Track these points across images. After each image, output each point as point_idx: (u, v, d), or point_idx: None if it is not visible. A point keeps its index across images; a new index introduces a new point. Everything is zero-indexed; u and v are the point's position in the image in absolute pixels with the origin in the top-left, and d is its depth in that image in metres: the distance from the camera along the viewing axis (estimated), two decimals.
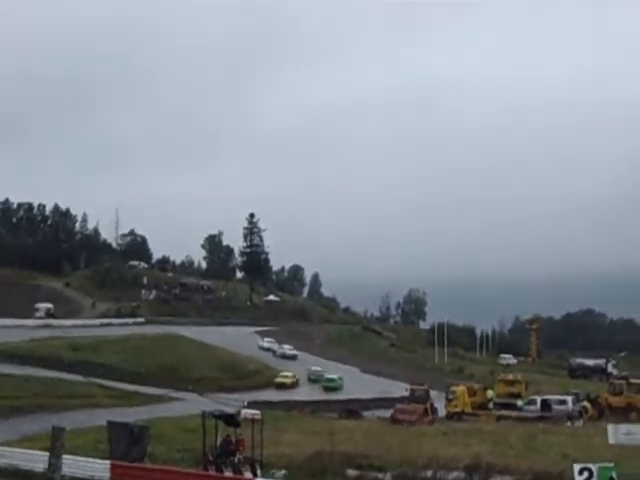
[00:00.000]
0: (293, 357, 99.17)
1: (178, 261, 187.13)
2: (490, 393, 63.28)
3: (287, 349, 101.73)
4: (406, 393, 60.86)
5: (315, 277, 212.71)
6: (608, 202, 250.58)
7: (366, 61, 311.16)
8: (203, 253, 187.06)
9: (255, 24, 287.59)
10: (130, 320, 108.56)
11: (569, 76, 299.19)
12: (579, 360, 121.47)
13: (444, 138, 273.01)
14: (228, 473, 26.80)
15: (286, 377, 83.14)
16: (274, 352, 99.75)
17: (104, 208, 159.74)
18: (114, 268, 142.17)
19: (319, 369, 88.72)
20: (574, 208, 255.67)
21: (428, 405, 57.48)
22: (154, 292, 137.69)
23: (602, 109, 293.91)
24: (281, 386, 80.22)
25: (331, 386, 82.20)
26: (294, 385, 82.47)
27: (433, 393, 62.42)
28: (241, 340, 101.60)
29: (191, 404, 54.45)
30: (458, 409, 59.31)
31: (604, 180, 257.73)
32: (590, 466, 19.17)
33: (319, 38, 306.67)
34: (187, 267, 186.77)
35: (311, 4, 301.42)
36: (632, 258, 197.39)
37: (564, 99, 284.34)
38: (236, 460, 27.25)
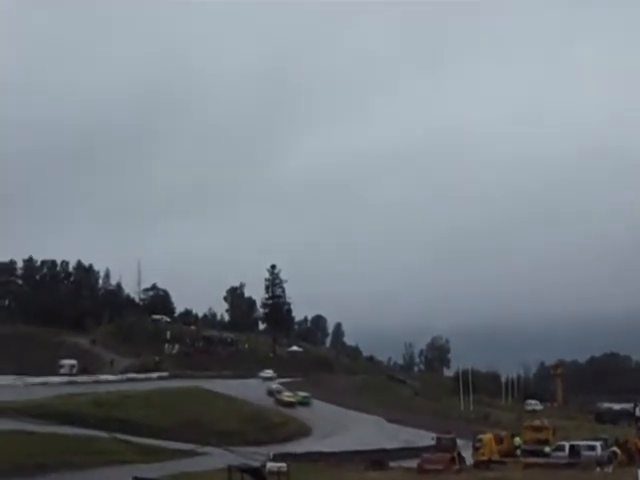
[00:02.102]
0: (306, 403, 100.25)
1: (200, 314, 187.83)
2: (517, 440, 62.53)
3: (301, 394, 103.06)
4: (432, 442, 60.22)
5: (338, 327, 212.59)
6: (631, 247, 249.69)
7: (389, 112, 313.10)
8: (225, 305, 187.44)
9: (273, 80, 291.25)
10: (154, 375, 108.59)
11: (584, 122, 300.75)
12: (606, 405, 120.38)
13: (463, 189, 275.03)
14: None
15: (290, 397, 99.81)
16: (275, 396, 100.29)
17: (127, 263, 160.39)
18: (137, 323, 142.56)
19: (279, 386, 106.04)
20: (598, 253, 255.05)
21: (455, 454, 56.84)
22: (177, 346, 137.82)
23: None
24: (288, 404, 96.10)
25: (303, 402, 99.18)
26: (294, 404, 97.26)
27: (460, 441, 61.81)
28: (265, 392, 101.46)
29: (216, 458, 54.18)
30: (485, 457, 58.62)
31: (627, 225, 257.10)
32: None
33: (339, 94, 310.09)
34: (210, 320, 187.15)
35: (332, 65, 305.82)
36: None
37: (580, 148, 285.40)
38: None
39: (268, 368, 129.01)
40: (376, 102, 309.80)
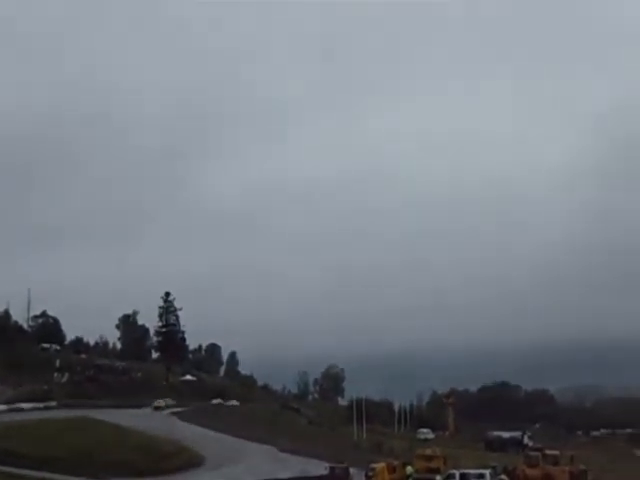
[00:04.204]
0: None
1: (92, 342, 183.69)
2: (409, 469, 63.13)
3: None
4: (325, 471, 60.31)
5: (232, 355, 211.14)
6: (522, 283, 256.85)
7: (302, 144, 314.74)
8: (117, 334, 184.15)
9: (192, 105, 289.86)
10: (41, 404, 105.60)
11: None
12: (496, 433, 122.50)
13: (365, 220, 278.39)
14: None
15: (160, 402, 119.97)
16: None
17: (15, 290, 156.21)
18: (25, 351, 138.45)
19: None
20: (491, 289, 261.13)
21: None
22: (67, 375, 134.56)
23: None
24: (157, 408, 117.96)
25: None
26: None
27: (353, 470, 61.98)
28: (157, 422, 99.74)
29: None
30: None
31: (524, 264, 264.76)
32: None
33: (255, 121, 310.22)
34: (101, 348, 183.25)
35: (245, 90, 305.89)
36: (545, 334, 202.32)
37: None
38: None
39: (161, 397, 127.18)
40: (290, 135, 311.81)
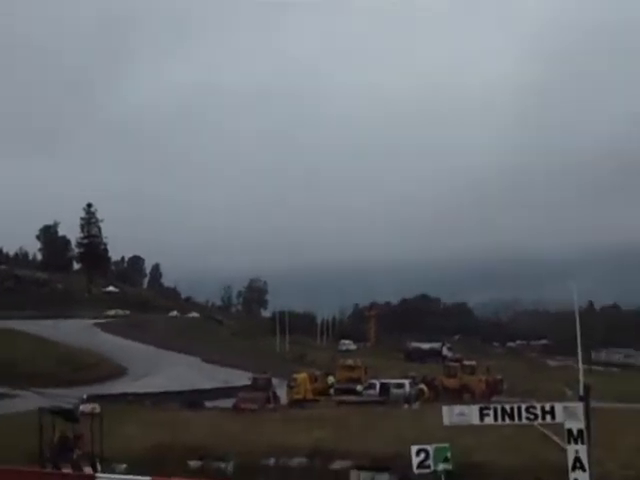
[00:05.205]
0: None
1: (12, 253, 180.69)
2: (331, 379, 64.15)
3: None
4: (248, 382, 60.91)
5: (156, 268, 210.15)
6: (445, 193, 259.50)
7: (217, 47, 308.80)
8: (38, 244, 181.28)
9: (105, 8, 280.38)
10: None
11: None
12: (415, 344, 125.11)
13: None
14: (67, 470, 26.14)
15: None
16: None
17: None
18: None
19: None
20: (411, 197, 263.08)
21: (270, 393, 57.74)
22: None
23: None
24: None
25: None
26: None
27: (275, 381, 62.72)
28: (79, 333, 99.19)
29: (26, 401, 52.61)
30: (300, 396, 59.74)
31: (447, 172, 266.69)
32: (427, 447, 19.78)
33: (175, 23, 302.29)
34: (21, 259, 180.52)
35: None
36: (464, 249, 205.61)
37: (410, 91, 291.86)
38: (75, 456, 26.65)
39: (84, 309, 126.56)
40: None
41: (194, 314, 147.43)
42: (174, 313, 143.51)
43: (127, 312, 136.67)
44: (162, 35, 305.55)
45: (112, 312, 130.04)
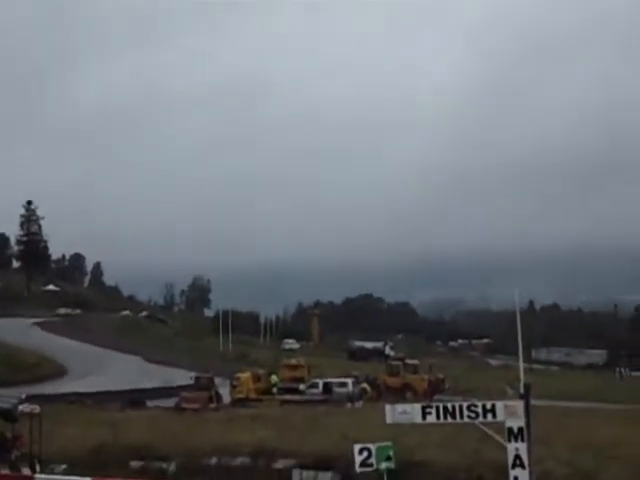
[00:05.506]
0: None
1: None
2: (274, 378, 64.05)
3: None
4: (191, 381, 60.62)
5: (97, 266, 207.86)
6: (389, 197, 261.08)
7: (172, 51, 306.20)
8: None
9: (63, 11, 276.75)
10: None
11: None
12: (358, 343, 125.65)
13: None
14: (5, 471, 25.73)
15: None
16: None
17: None
18: None
19: None
20: (358, 199, 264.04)
21: (213, 392, 57.57)
22: None
23: None
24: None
25: None
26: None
27: (218, 380, 62.51)
28: (18, 332, 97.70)
29: None
30: (243, 395, 59.70)
31: (396, 179, 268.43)
32: (369, 446, 19.83)
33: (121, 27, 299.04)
34: None
35: None
36: (408, 248, 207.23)
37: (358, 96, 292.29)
38: (13, 457, 26.25)
39: (22, 307, 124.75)
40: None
41: (126, 312, 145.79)
42: (126, 312, 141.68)
43: (78, 311, 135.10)
44: (107, 36, 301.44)
45: (62, 311, 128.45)
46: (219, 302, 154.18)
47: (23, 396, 52.97)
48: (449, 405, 17.95)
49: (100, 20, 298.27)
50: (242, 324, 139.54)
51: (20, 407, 28.20)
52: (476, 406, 17.50)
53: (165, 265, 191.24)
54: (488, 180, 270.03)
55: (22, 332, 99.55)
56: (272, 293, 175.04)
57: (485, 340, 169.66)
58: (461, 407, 17.61)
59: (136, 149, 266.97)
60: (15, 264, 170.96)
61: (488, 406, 17.39)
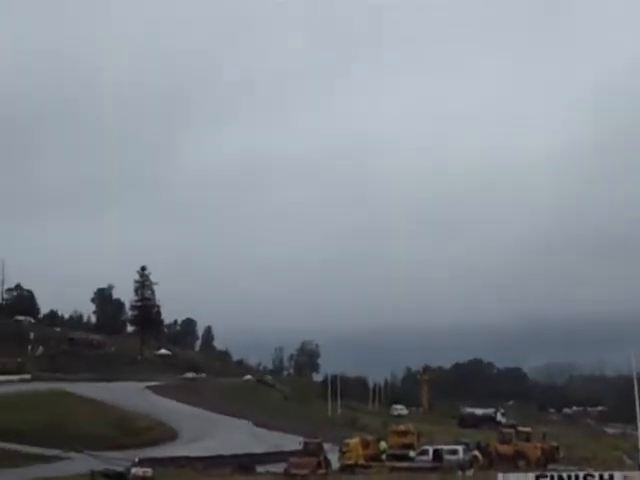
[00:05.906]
0: None
1: (67, 316, 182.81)
2: (383, 444, 63.36)
3: None
4: (299, 446, 60.49)
5: (208, 330, 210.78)
6: (498, 260, 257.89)
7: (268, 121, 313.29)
8: (92, 307, 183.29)
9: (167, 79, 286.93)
10: (15, 377, 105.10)
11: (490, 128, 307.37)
12: (469, 410, 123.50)
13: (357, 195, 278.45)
14: None
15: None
16: None
17: None
18: None
19: None
20: (466, 266, 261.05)
21: (321, 458, 57.23)
22: (41, 348, 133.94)
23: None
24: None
25: None
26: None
27: (327, 446, 62.19)
28: (131, 396, 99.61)
29: (79, 463, 52.82)
30: (351, 461, 59.16)
31: (503, 241, 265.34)
32: None
33: (233, 90, 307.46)
34: (76, 321, 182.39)
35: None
36: (518, 312, 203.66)
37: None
38: None
39: (136, 371, 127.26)
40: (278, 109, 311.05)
41: (248, 377, 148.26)
42: (248, 377, 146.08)
43: (203, 375, 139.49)
44: (213, 105, 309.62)
45: (190, 375, 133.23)
46: (327, 366, 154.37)
47: (136, 459, 54.20)
48: (564, 474, 17.47)
49: (213, 89, 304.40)
50: (350, 389, 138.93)
51: (133, 470, 28.71)
52: (593, 476, 16.99)
53: (274, 329, 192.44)
54: (601, 243, 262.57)
55: (135, 396, 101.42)
56: (380, 357, 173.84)
57: (599, 407, 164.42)
58: (577, 476, 17.12)
59: (243, 212, 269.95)
60: (129, 328, 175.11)
61: (606, 476, 16.88)
